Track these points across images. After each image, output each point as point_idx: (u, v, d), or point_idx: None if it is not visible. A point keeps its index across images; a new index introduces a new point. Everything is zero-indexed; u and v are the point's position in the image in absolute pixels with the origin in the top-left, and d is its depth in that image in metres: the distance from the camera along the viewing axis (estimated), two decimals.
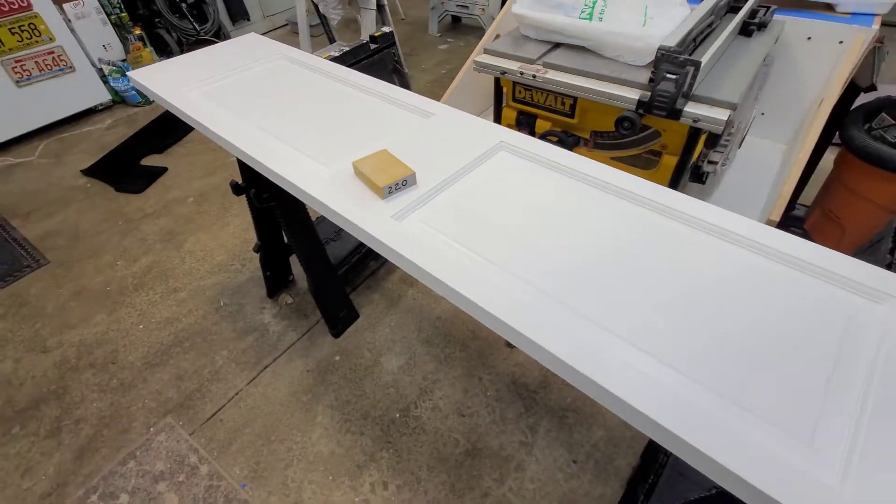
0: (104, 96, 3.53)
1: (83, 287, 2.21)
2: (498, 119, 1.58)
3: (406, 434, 1.63)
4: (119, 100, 3.65)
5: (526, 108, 1.47)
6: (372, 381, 1.79)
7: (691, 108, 1.09)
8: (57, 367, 1.88)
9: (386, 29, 1.77)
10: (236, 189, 1.57)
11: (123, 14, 3.65)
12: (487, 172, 1.01)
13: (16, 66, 3.04)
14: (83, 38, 3.35)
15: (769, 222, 1.18)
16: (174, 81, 1.38)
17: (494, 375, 1.78)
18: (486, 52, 1.41)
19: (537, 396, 1.71)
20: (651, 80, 1.11)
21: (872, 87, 1.67)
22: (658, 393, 0.59)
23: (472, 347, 1.87)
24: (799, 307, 0.70)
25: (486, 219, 0.88)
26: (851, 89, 1.79)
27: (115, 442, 1.64)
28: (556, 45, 1.38)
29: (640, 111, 1.15)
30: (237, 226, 2.49)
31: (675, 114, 1.10)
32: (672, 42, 1.07)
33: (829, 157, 2.01)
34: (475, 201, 0.93)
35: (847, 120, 1.80)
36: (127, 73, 1.51)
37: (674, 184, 1.29)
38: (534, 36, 1.41)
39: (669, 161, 1.29)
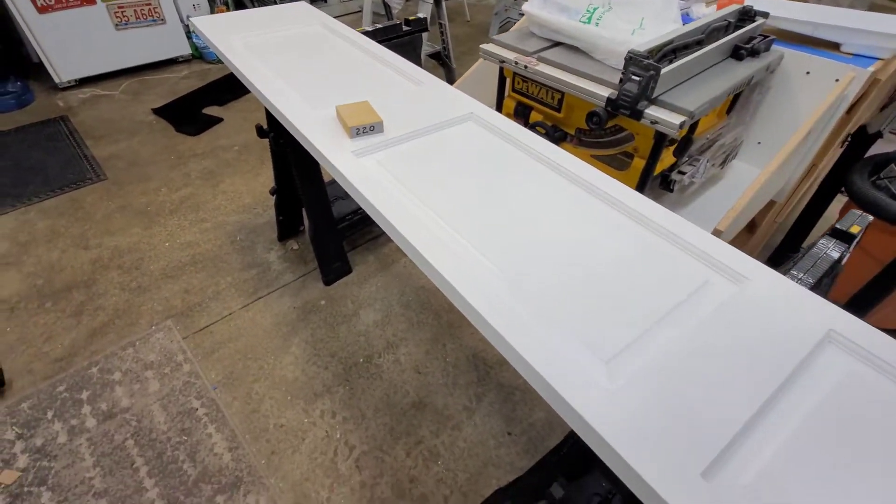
0: (185, 50, 3.95)
1: (129, 203, 2.52)
2: (499, 107, 1.71)
3: (364, 377, 1.78)
4: (198, 55, 4.06)
5: (523, 98, 1.59)
6: (347, 328, 1.95)
7: (652, 111, 1.18)
8: (92, 263, 2.18)
9: (421, 15, 1.94)
10: (260, 132, 1.79)
11: None
12: (451, 136, 1.14)
13: (118, 12, 3.48)
14: None
15: (715, 231, 1.25)
16: (225, 30, 1.61)
17: (458, 346, 1.89)
18: (493, 41, 1.55)
19: (492, 372, 1.81)
20: (621, 81, 1.21)
21: (879, 135, 1.66)
22: (505, 313, 0.71)
23: (445, 319, 2.00)
24: (669, 276, 0.79)
25: (431, 171, 1.02)
26: (862, 136, 1.78)
27: (122, 331, 1.90)
28: (556, 44, 1.50)
29: (609, 108, 1.25)
30: (268, 177, 2.74)
31: (637, 114, 1.19)
32: (644, 48, 1.17)
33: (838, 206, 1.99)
34: (429, 155, 1.07)
35: (853, 167, 1.79)
36: (190, 18, 1.76)
37: (641, 186, 1.37)
38: (538, 33, 1.53)
39: (639, 164, 1.37)
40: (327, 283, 2.12)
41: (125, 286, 2.08)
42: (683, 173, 1.40)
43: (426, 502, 1.46)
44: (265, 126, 1.80)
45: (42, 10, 3.21)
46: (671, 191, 1.41)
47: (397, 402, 1.70)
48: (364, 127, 1.07)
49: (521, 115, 1.63)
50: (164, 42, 3.80)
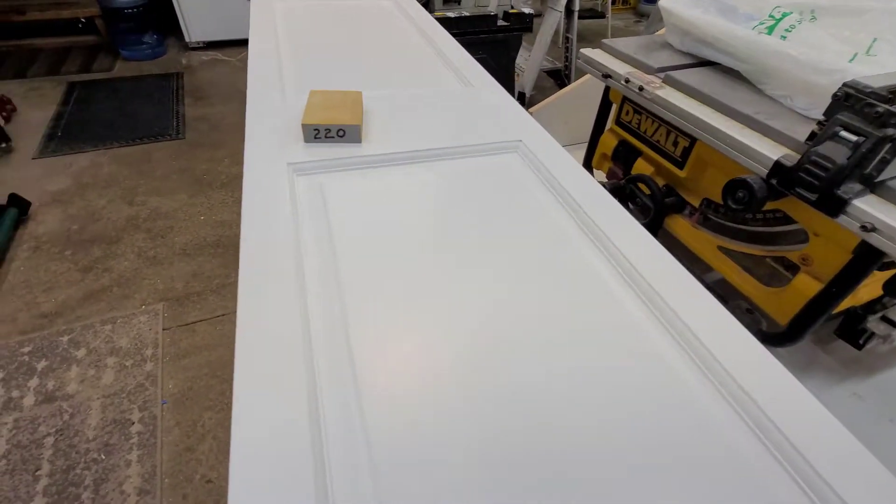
0: None
1: (189, 167, 2.43)
2: (592, 143, 1.19)
3: None
4: None
5: (628, 136, 1.07)
6: None
7: (864, 205, 0.60)
8: (126, 221, 2.08)
9: (526, 10, 1.50)
10: None
11: None
12: (470, 167, 0.68)
13: None
14: None
15: None
16: None
17: None
18: (602, 47, 1.05)
19: None
20: (812, 137, 0.65)
21: None
22: None
23: None
24: None
25: (391, 224, 0.58)
26: None
27: (113, 302, 1.73)
28: (703, 63, 0.95)
29: (773, 181, 0.69)
30: None
31: (834, 204, 0.62)
32: (880, 83, 0.60)
33: None
34: (416, 192, 0.62)
35: None
36: None
37: (800, 326, 0.78)
38: (678, 45, 0.99)
39: (807, 285, 0.77)
40: None
41: (142, 253, 1.93)
42: (893, 324, 0.77)
43: None
44: None
45: None
46: (859, 347, 0.79)
47: None
48: (327, 128, 0.66)
49: (622, 159, 1.11)
50: None
